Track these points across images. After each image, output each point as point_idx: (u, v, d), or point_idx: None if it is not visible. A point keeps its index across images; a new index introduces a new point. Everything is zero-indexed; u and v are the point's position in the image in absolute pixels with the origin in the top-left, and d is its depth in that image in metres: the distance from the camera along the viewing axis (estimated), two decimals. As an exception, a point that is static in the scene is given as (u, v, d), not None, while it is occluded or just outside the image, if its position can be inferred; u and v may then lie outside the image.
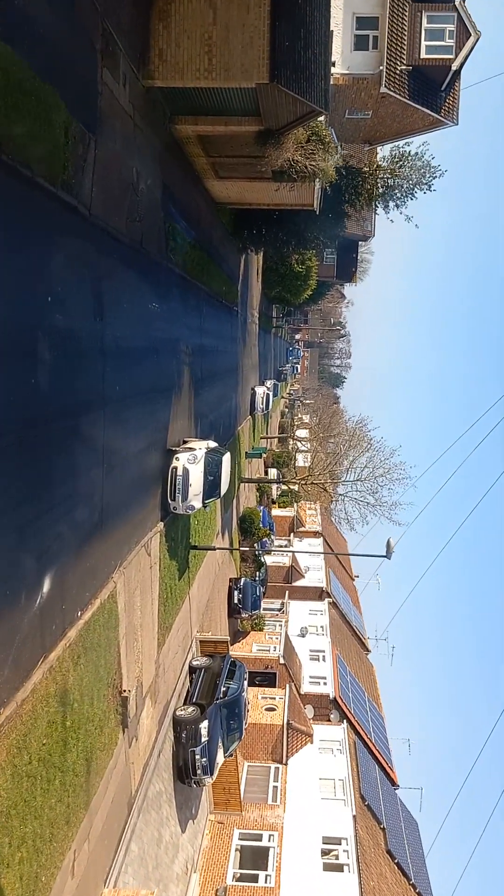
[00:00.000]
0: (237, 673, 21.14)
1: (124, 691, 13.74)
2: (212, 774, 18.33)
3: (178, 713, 18.44)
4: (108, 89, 11.90)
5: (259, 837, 22.21)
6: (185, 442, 19.75)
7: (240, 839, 22.03)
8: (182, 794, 18.63)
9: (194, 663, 21.18)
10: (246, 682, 21.53)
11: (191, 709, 18.75)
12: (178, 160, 18.65)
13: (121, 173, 13.03)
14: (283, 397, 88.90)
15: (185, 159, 19.37)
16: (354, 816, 23.08)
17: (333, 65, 21.20)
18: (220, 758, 19.07)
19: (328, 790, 24.64)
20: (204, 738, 18.05)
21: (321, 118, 19.83)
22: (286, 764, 25.62)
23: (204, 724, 18.18)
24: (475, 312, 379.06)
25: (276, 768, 25.39)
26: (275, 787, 24.46)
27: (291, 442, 64.23)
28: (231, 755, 20.15)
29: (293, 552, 43.09)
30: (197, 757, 17.87)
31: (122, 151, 12.95)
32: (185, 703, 19.21)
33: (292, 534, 57.01)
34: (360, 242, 69.57)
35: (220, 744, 19.16)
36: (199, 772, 17.90)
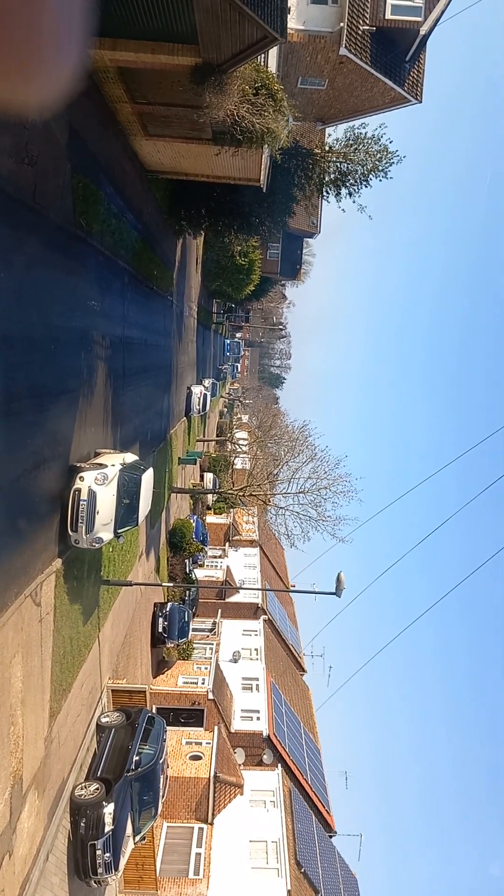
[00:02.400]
0: (154, 732, 17.58)
1: (-13, 805, 10.06)
2: (117, 870, 14.73)
3: (76, 793, 14.74)
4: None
5: (177, 923, 18.79)
6: (96, 454, 16.06)
7: (154, 926, 18.55)
8: (80, 893, 14.96)
9: (103, 720, 17.49)
10: (165, 742, 18.01)
11: (93, 786, 15.07)
12: (94, 103, 14.93)
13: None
14: (222, 397, 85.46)
15: (105, 104, 15.65)
16: (289, 892, 19.89)
17: (288, 11, 17.90)
18: (128, 845, 15.51)
19: (260, 857, 21.38)
20: (108, 827, 14.42)
21: (273, 66, 16.51)
22: (212, 823, 22.22)
23: (108, 810, 14.55)
24: (421, 320, 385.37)
25: (201, 829, 21.96)
26: (198, 855, 21.02)
27: (230, 445, 60.80)
28: (144, 839, 16.56)
29: (227, 595, 39.56)
30: (98, 852, 14.24)
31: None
32: (87, 778, 15.54)
33: (227, 543, 53.66)
34: (305, 239, 66.76)
35: (129, 826, 15.59)
36: (100, 870, 14.28)
